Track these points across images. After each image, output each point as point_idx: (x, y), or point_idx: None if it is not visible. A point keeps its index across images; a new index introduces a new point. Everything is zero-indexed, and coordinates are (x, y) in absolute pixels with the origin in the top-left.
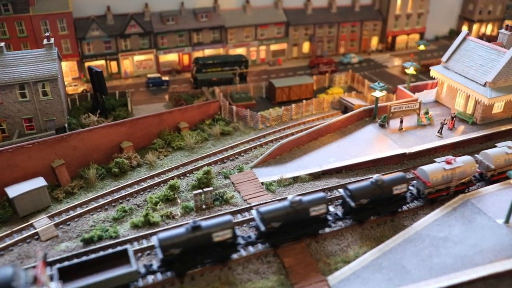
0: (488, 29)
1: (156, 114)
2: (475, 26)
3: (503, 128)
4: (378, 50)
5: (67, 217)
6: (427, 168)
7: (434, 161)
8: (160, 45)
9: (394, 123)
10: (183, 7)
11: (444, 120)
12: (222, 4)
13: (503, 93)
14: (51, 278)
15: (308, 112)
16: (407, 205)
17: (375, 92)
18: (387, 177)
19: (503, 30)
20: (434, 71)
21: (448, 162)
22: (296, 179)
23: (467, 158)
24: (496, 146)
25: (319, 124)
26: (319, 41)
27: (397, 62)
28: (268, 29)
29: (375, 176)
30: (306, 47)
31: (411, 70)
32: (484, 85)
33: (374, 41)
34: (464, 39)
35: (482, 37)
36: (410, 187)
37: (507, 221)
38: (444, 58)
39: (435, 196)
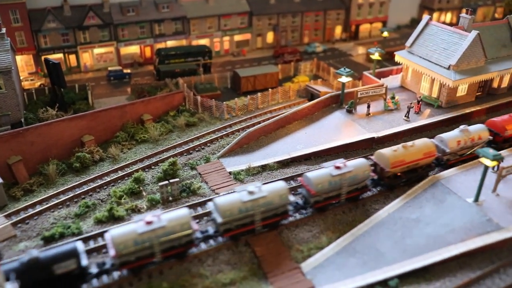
0: (448, 17)
1: (118, 106)
2: (435, 15)
3: (467, 111)
4: (342, 39)
5: (26, 215)
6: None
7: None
8: (120, 37)
9: (362, 109)
10: None
11: (411, 104)
12: None
13: (466, 75)
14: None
15: (274, 101)
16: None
17: (342, 77)
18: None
19: (463, 14)
20: (398, 56)
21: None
22: (264, 167)
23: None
24: None
25: (284, 112)
26: (283, 31)
27: (361, 50)
28: (231, 20)
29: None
30: (270, 37)
31: (376, 56)
32: (448, 68)
33: (338, 30)
34: (427, 23)
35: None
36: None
37: (476, 200)
38: (408, 43)
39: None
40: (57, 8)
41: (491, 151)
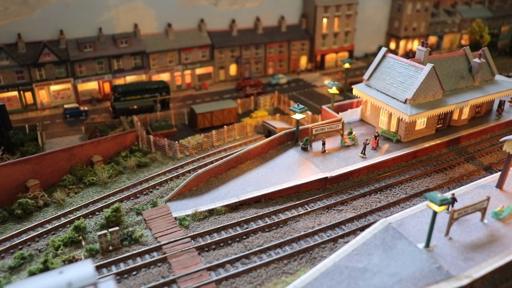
0: (415, 45)
1: (65, 148)
2: (401, 43)
3: (426, 145)
4: (307, 70)
5: None
6: None
7: None
8: (78, 73)
9: (318, 146)
10: (102, 33)
11: (366, 140)
12: (143, 29)
13: (423, 109)
14: None
15: (231, 137)
16: None
17: (295, 114)
18: None
19: (419, 47)
20: (356, 89)
21: None
22: (212, 212)
23: None
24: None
25: (239, 150)
26: (246, 63)
27: (326, 80)
28: (192, 53)
29: None
30: (233, 69)
31: (333, 90)
32: (405, 102)
33: (303, 61)
34: (384, 56)
35: (409, 52)
36: None
37: (427, 245)
38: (365, 76)
39: None
40: (11, 45)
41: (438, 195)
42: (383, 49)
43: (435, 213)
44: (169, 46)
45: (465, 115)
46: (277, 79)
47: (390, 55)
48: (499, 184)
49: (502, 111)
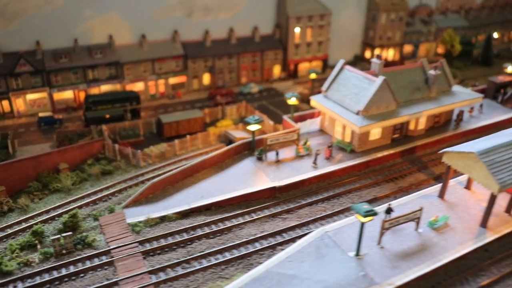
0: (390, 53)
1: (33, 156)
2: (376, 51)
3: (379, 155)
4: (281, 79)
5: None
6: None
7: None
8: (53, 83)
9: (281, 154)
10: (77, 44)
11: (318, 150)
12: (118, 39)
13: (374, 120)
14: None
15: (194, 146)
16: None
17: (250, 125)
18: None
19: (374, 59)
20: (313, 100)
21: None
22: (163, 219)
23: None
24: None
25: (197, 159)
26: (220, 72)
27: (299, 89)
28: (166, 63)
29: None
30: (206, 78)
31: (292, 101)
32: (357, 113)
33: (277, 70)
34: (341, 68)
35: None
36: None
37: (357, 254)
38: (324, 87)
39: None
40: None
41: (364, 206)
42: (341, 62)
43: (362, 224)
44: (143, 57)
45: (422, 125)
46: (249, 88)
47: (347, 67)
48: (441, 194)
49: (460, 121)
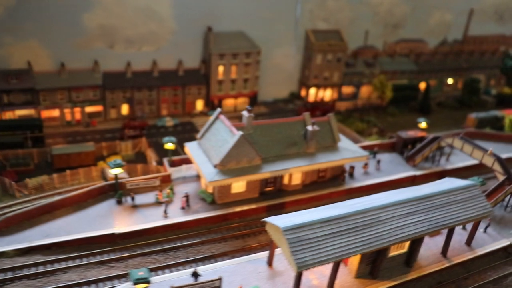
0: (328, 94)
1: None
2: (312, 90)
3: (238, 209)
4: (203, 113)
5: None
6: None
7: None
8: None
9: (141, 199)
10: None
11: (168, 199)
12: (37, 66)
13: (232, 175)
14: None
15: (76, 181)
16: None
17: (112, 169)
18: None
19: (244, 112)
20: (186, 147)
21: None
22: (1, 254)
23: None
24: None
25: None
26: (139, 103)
27: None
28: (83, 92)
29: None
30: (125, 109)
31: (169, 146)
32: (215, 167)
33: (200, 104)
34: (217, 117)
35: (320, 101)
36: None
37: None
38: (199, 135)
39: None
40: None
41: (140, 273)
42: (218, 110)
43: None
44: (59, 84)
45: (298, 180)
46: (164, 121)
47: (221, 117)
48: (269, 261)
49: (344, 178)
